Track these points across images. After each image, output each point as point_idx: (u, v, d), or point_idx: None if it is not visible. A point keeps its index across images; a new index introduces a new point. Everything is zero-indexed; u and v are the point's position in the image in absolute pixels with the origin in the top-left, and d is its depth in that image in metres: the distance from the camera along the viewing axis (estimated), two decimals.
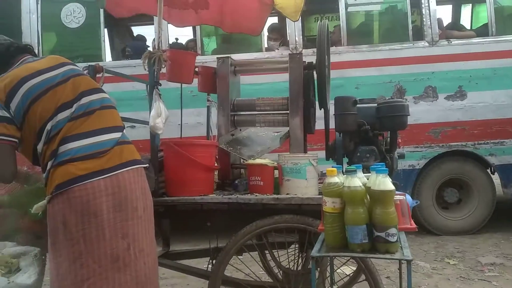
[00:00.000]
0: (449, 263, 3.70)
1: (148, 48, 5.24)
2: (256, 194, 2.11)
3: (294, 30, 4.62)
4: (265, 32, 4.86)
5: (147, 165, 1.79)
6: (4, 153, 1.53)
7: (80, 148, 1.51)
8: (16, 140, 1.54)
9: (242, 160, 2.52)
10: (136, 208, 1.56)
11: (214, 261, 2.34)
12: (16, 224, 1.95)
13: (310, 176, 2.08)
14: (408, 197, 1.71)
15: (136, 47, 5.25)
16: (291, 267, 2.37)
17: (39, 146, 1.55)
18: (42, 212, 1.73)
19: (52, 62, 1.65)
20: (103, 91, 1.72)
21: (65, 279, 1.48)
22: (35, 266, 1.89)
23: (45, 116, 1.52)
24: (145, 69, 2.18)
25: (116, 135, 1.61)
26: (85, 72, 1.88)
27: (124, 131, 1.68)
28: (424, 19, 4.58)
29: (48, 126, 1.52)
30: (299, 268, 2.32)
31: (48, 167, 1.53)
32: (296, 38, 4.61)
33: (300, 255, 2.43)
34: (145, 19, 5.12)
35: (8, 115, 1.51)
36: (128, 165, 1.58)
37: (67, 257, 1.48)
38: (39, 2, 4.68)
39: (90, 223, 1.47)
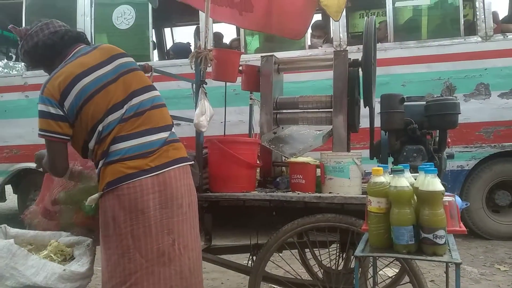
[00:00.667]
0: (499, 269, 3.51)
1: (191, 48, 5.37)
2: (298, 192, 2.11)
3: (338, 27, 4.54)
4: (309, 30, 4.82)
5: (193, 162, 1.83)
6: (57, 150, 1.63)
7: (130, 148, 1.57)
8: (68, 138, 1.62)
9: (284, 158, 2.53)
10: (181, 205, 1.61)
11: (254, 257, 2.37)
12: (71, 219, 2.08)
13: (353, 175, 2.05)
14: (458, 198, 1.65)
15: (178, 49, 5.41)
16: (331, 266, 2.35)
17: (91, 144, 1.62)
18: (94, 208, 1.83)
19: (104, 55, 1.66)
20: (154, 89, 1.74)
21: (114, 271, 1.57)
22: (87, 256, 2.00)
23: (96, 117, 1.58)
24: (192, 68, 2.23)
25: (165, 134, 1.65)
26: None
27: (173, 128, 1.73)
28: (477, 13, 4.35)
29: (100, 127, 1.58)
30: (340, 267, 2.29)
31: (99, 165, 1.61)
32: (341, 35, 4.54)
33: (341, 254, 2.41)
34: (189, 20, 5.24)
35: (62, 113, 1.57)
36: (174, 163, 1.62)
37: (116, 251, 1.56)
38: (93, 5, 4.92)
39: (137, 219, 1.54)
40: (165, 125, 1.68)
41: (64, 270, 1.84)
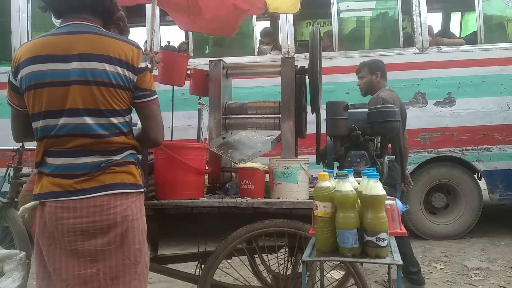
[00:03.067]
0: (436, 267, 3.73)
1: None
2: (247, 198, 2.10)
3: (286, 35, 4.63)
4: (258, 36, 4.88)
5: (130, 191, 1.55)
6: (12, 115, 1.56)
7: (58, 166, 1.48)
8: (20, 108, 1.54)
9: (233, 164, 2.51)
10: (108, 234, 1.50)
11: (202, 265, 2.32)
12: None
13: (301, 180, 2.08)
14: (398, 202, 1.72)
15: None
16: (280, 271, 2.36)
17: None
18: (27, 219, 1.70)
19: (78, 48, 1.44)
20: (111, 115, 1.57)
21: None
22: (19, 270, 1.86)
23: (32, 110, 1.50)
24: None
25: (100, 158, 1.51)
26: None
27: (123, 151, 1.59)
28: (415, 26, 4.64)
29: (34, 124, 1.51)
30: (289, 272, 2.31)
31: (35, 170, 1.52)
32: (289, 43, 4.63)
33: (290, 259, 2.43)
34: (137, 21, 5.09)
35: (16, 84, 1.49)
36: (106, 189, 1.49)
37: (38, 269, 1.51)
38: (29, 1, 4.62)
39: (58, 240, 1.46)
40: (105, 150, 1.49)
41: None
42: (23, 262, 1.85)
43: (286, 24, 4.62)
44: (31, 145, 1.58)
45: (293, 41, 4.69)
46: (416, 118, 4.52)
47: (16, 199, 3.05)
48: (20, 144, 3.10)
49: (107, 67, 1.43)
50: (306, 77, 2.42)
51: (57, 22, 1.56)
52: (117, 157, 1.50)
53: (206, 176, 2.39)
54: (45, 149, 1.46)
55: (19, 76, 1.45)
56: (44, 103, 1.43)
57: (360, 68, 3.33)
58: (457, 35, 5.72)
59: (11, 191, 3.09)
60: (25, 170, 3.23)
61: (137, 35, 5.40)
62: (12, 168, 3.14)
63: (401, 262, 1.39)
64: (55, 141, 1.44)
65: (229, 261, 2.33)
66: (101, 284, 1.45)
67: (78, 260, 1.44)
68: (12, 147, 3.16)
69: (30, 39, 4.54)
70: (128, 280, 1.49)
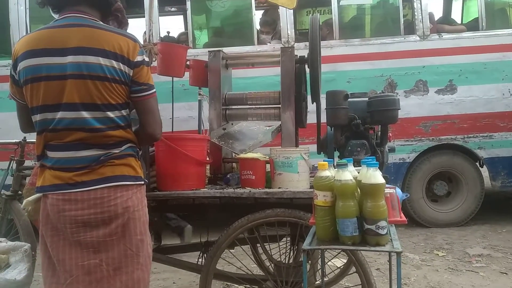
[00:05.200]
0: (438, 254, 3.75)
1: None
2: (248, 188, 2.11)
3: (286, 24, 4.60)
4: (257, 26, 4.84)
5: (131, 183, 1.56)
6: (17, 107, 1.59)
7: (59, 160, 1.51)
8: (21, 101, 1.56)
9: (233, 154, 2.52)
10: (110, 225, 1.53)
11: (205, 255, 2.35)
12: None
13: (301, 170, 2.09)
14: (398, 190, 1.73)
15: None
16: (282, 260, 2.38)
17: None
18: (31, 212, 1.72)
19: (74, 42, 1.45)
20: (107, 109, 1.58)
21: (44, 282, 1.55)
22: (25, 262, 1.89)
23: (30, 104, 1.53)
24: None
25: (99, 151, 1.53)
26: None
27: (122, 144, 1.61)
28: (415, 13, 4.59)
29: (33, 118, 1.54)
30: (291, 261, 2.34)
31: (37, 163, 1.53)
32: (288, 32, 4.60)
33: (292, 248, 2.45)
34: (135, 12, 5.06)
35: (16, 77, 1.51)
36: (106, 181, 1.51)
37: (43, 260, 1.54)
38: None
39: (60, 232, 1.49)
40: (103, 143, 1.50)
41: None
42: (28, 253, 1.88)
43: (286, 13, 4.58)
44: (33, 138, 1.58)
45: (293, 30, 4.66)
46: (418, 106, 4.51)
47: (19, 192, 3.07)
48: (22, 137, 3.11)
49: (102, 61, 1.43)
50: (306, 66, 2.41)
51: (55, 15, 1.55)
52: (116, 150, 1.51)
53: (207, 167, 2.40)
54: (45, 142, 1.48)
55: (18, 69, 1.46)
56: (41, 97, 1.43)
57: None
58: (459, 22, 5.66)
59: (14, 184, 3.11)
60: (27, 163, 3.24)
61: (136, 26, 5.37)
62: (14, 161, 3.15)
63: (400, 250, 1.41)
64: (54, 135, 1.46)
65: (231, 250, 2.35)
66: (104, 275, 1.47)
67: (81, 251, 1.47)
68: (14, 140, 3.18)
69: (29, 31, 4.52)
70: (131, 271, 1.52)
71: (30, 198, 1.68)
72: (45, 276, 1.53)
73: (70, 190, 1.44)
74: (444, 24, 4.99)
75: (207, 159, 2.30)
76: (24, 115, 1.56)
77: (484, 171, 4.71)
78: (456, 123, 4.52)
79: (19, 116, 1.60)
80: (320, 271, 2.06)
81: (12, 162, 3.16)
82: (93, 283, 1.47)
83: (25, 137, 3.11)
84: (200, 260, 2.44)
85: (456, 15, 5.99)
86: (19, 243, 1.96)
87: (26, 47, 1.44)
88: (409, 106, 4.43)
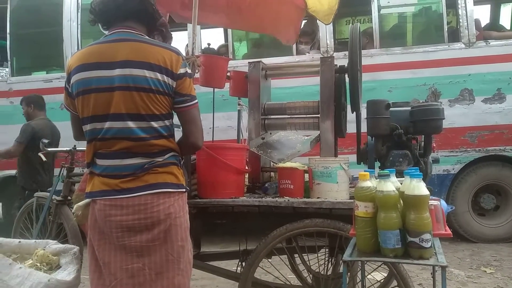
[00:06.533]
0: (485, 271, 3.56)
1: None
2: (287, 197, 2.12)
3: (325, 33, 4.60)
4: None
5: (173, 190, 1.61)
6: (71, 118, 1.69)
7: (107, 167, 1.59)
8: (74, 112, 1.65)
9: (272, 164, 2.54)
10: (152, 230, 1.59)
11: (243, 263, 2.37)
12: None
13: (341, 180, 2.07)
14: (443, 202, 1.68)
15: None
16: (320, 271, 2.35)
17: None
18: (81, 217, 1.81)
19: (122, 55, 1.52)
20: (151, 120, 1.63)
21: (91, 284, 1.63)
22: (74, 264, 1.98)
23: (81, 114, 1.62)
24: None
25: (142, 160, 1.59)
26: None
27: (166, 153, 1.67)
28: (460, 20, 4.45)
29: (83, 127, 1.63)
30: (329, 272, 2.30)
31: (87, 171, 1.65)
32: (328, 41, 4.59)
33: (330, 259, 2.42)
34: (177, 25, 5.23)
35: (70, 90, 1.61)
36: (149, 188, 1.56)
37: (90, 262, 1.62)
38: (79, 10, 4.89)
39: (106, 235, 1.58)
40: (147, 152, 1.56)
41: (49, 280, 1.81)
42: (77, 256, 1.97)
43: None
44: (82, 146, 1.68)
45: (332, 40, 4.65)
46: (463, 116, 4.34)
47: (69, 197, 3.24)
48: (72, 145, 3.29)
49: (147, 73, 1.50)
50: (346, 75, 2.40)
51: (105, 31, 1.65)
52: (160, 159, 1.57)
53: (246, 176, 2.43)
54: (95, 151, 1.57)
55: (71, 82, 1.57)
56: (91, 108, 1.53)
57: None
58: (508, 27, 5.41)
59: (65, 189, 3.28)
60: (76, 170, 3.42)
61: (179, 39, 5.56)
62: (65, 168, 3.33)
63: (445, 264, 1.36)
64: (102, 144, 1.54)
65: (269, 259, 2.35)
66: (147, 279, 1.53)
67: (125, 255, 1.53)
68: (65, 149, 3.37)
69: (80, 46, 4.80)
70: (172, 276, 1.56)
71: (80, 203, 1.77)
72: (91, 278, 1.61)
73: (116, 196, 1.51)
74: (491, 30, 4.79)
75: (246, 168, 2.33)
76: (77, 124, 1.66)
77: None
78: (505, 133, 4.30)
79: (73, 125, 1.70)
80: (360, 284, 2.02)
81: (63, 169, 3.35)
82: (136, 286, 1.52)
83: (75, 146, 3.28)
84: (238, 268, 2.45)
85: (505, 21, 5.73)
86: (68, 245, 2.06)
87: (78, 61, 1.55)
88: (454, 116, 4.26)
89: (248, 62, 2.63)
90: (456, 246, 4.31)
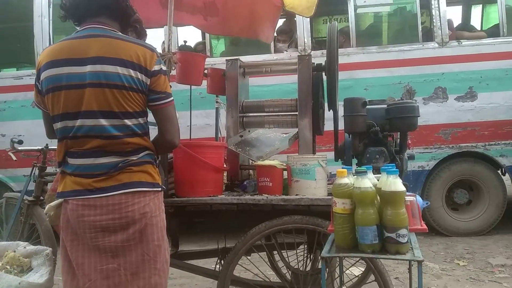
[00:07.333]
0: (458, 264, 3.67)
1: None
2: (265, 194, 2.12)
3: (303, 32, 4.62)
4: (274, 34, 4.87)
5: (147, 189, 1.57)
6: (42, 115, 1.63)
7: (78, 166, 1.55)
8: (45, 109, 1.60)
9: (250, 161, 2.53)
10: (127, 230, 1.55)
11: (222, 261, 2.35)
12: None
13: (319, 177, 2.08)
14: (419, 198, 1.71)
15: None
16: (299, 267, 2.37)
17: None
18: (52, 217, 1.76)
19: (93, 51, 1.49)
20: (125, 117, 1.60)
21: (64, 285, 1.58)
22: (46, 266, 1.93)
23: (52, 112, 1.57)
24: None
25: (116, 158, 1.55)
26: None
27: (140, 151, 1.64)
28: (434, 20, 4.55)
29: (54, 126, 1.58)
30: (308, 268, 2.32)
31: (58, 170, 1.59)
32: (305, 40, 4.61)
33: (309, 255, 2.44)
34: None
35: (39, 87, 1.56)
36: (124, 187, 1.53)
37: (63, 264, 1.57)
38: (51, 5, 4.73)
39: (79, 236, 1.53)
40: (121, 151, 1.52)
41: (20, 283, 1.76)
42: (49, 257, 1.91)
43: (302, 21, 4.60)
44: (55, 145, 1.63)
45: (310, 38, 4.67)
46: (437, 114, 4.44)
47: (41, 198, 3.15)
48: (44, 144, 3.19)
49: (120, 70, 1.46)
50: (323, 74, 2.42)
51: (76, 26, 1.60)
52: (134, 157, 1.53)
53: (225, 174, 2.42)
54: (66, 149, 1.52)
55: (41, 79, 1.51)
56: (61, 106, 1.48)
57: None
58: (479, 28, 5.58)
59: (37, 189, 3.18)
60: (49, 169, 3.32)
61: (154, 36, 5.47)
62: (37, 168, 3.23)
63: (422, 258, 1.39)
64: (74, 142, 1.49)
65: (248, 257, 2.35)
66: (122, 280, 1.49)
67: (100, 256, 1.49)
68: (37, 147, 3.26)
69: (52, 42, 4.66)
70: (148, 276, 1.53)
71: (52, 204, 1.71)
72: (64, 280, 1.56)
73: (89, 196, 1.47)
74: (463, 30, 4.93)
75: (225, 166, 2.31)
76: (49, 122, 1.60)
77: (507, 179, 4.60)
78: (477, 130, 4.43)
79: (45, 123, 1.64)
80: (338, 279, 2.04)
81: (34, 168, 3.24)
82: (111, 287, 1.49)
83: (47, 144, 3.19)
84: (217, 266, 2.44)
85: (475, 21, 5.91)
86: (41, 247, 2.00)
87: (48, 57, 1.50)
88: (428, 113, 4.36)
89: (226, 60, 2.61)
90: (430, 240, 4.41)
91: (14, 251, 1.98)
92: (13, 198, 3.30)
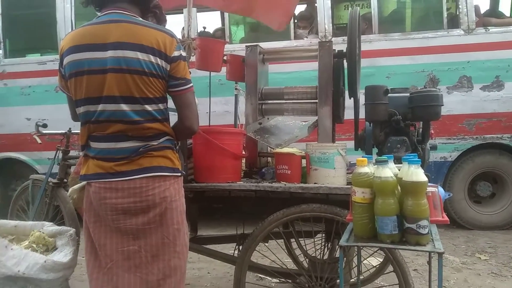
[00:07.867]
0: (480, 258, 3.60)
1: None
2: (284, 182, 2.11)
3: (323, 18, 4.54)
4: (294, 20, 4.80)
5: (168, 174, 1.59)
6: (67, 99, 1.66)
7: (101, 150, 1.57)
8: (69, 93, 1.62)
9: (269, 149, 2.53)
10: (148, 214, 1.59)
11: (240, 247, 2.38)
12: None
13: (338, 166, 2.06)
14: (441, 189, 1.67)
15: None
16: (317, 256, 2.37)
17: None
18: (76, 200, 1.80)
19: (115, 37, 1.49)
20: (145, 103, 1.62)
21: (87, 266, 1.64)
22: (70, 246, 1.98)
23: (75, 97, 1.60)
24: None
25: (137, 143, 1.58)
26: None
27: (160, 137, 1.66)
28: (460, 6, 4.39)
29: (77, 110, 1.61)
30: (325, 257, 2.32)
31: (81, 153, 1.63)
32: (326, 26, 4.53)
33: (326, 244, 2.43)
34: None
35: (63, 72, 1.59)
36: (144, 171, 1.55)
37: (86, 244, 1.63)
38: None
39: (101, 218, 1.58)
40: (142, 135, 1.54)
41: (45, 261, 1.82)
42: (73, 238, 1.97)
43: (323, 7, 4.52)
44: (77, 129, 1.66)
45: (331, 25, 4.59)
46: (461, 103, 4.33)
47: (65, 180, 3.22)
48: (67, 128, 3.26)
49: (140, 55, 1.46)
50: (344, 61, 2.37)
51: (97, 12, 1.61)
52: (154, 142, 1.55)
53: (243, 161, 2.42)
54: (89, 133, 1.55)
55: (64, 64, 1.54)
56: (84, 90, 1.50)
57: None
58: (507, 14, 5.36)
59: (60, 172, 3.26)
60: (72, 153, 3.40)
61: (175, 22, 5.47)
62: (60, 151, 3.31)
63: (442, 250, 1.37)
64: (96, 126, 1.52)
65: (266, 244, 2.37)
66: (143, 261, 1.53)
67: (121, 237, 1.53)
68: (60, 131, 3.33)
69: (74, 28, 4.72)
70: (168, 258, 1.57)
71: (75, 187, 1.76)
72: (87, 260, 1.61)
73: (111, 179, 1.51)
74: (491, 17, 4.75)
75: (243, 152, 2.32)
76: (73, 106, 1.63)
77: None
78: (503, 121, 4.30)
79: (70, 107, 1.68)
80: (355, 268, 2.03)
81: (58, 151, 3.32)
82: (132, 268, 1.53)
83: (70, 128, 3.25)
84: (235, 251, 2.47)
85: (504, 7, 5.67)
86: (64, 227, 2.06)
87: (70, 43, 1.51)
88: (452, 103, 4.25)
89: (246, 46, 2.59)
90: (451, 233, 4.35)
91: (40, 231, 2.05)
92: (39, 180, 3.40)
